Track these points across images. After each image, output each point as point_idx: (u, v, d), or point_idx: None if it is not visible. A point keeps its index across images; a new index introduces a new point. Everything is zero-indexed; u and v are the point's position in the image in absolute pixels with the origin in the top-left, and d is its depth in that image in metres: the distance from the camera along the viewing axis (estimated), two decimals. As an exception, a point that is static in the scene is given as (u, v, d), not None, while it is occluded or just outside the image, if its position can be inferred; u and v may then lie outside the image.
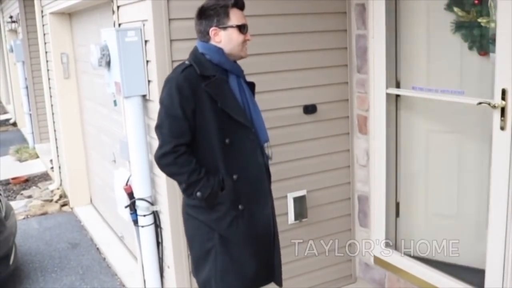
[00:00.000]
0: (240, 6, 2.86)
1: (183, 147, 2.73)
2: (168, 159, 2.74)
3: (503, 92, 2.91)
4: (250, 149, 2.87)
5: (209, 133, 2.77)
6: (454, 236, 3.88)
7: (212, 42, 2.83)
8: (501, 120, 2.95)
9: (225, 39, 2.82)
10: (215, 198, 2.79)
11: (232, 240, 2.86)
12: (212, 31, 2.80)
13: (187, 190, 2.80)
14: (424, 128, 4.00)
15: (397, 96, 3.86)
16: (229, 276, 2.88)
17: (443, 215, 3.99)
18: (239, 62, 3.08)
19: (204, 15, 2.81)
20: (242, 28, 2.84)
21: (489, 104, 3.04)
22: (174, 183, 3.26)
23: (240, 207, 2.84)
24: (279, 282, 3.08)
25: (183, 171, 2.74)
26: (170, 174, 2.88)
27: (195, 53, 2.87)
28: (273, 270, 3.05)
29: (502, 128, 2.96)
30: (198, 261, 2.96)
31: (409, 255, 3.93)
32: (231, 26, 2.81)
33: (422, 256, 3.93)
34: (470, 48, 3.52)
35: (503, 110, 2.94)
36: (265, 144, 3.01)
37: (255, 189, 2.91)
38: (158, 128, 2.79)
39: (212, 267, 2.88)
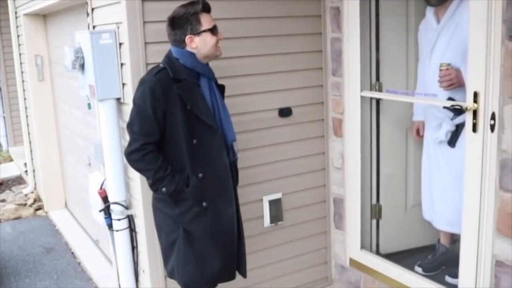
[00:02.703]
0: (208, 9, 3.00)
1: (151, 145, 2.90)
2: (136, 156, 2.92)
3: (475, 95, 2.95)
4: (216, 150, 3.03)
5: (178, 133, 2.93)
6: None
7: (188, 48, 2.98)
8: (473, 122, 2.99)
9: (200, 44, 2.97)
10: (179, 194, 2.97)
11: (195, 234, 3.04)
12: (188, 39, 2.96)
13: (153, 186, 2.99)
14: (401, 129, 4.05)
15: (371, 98, 3.88)
16: (189, 268, 3.05)
17: (421, 216, 4.04)
18: (213, 64, 3.12)
19: (177, 24, 2.97)
20: (213, 30, 3.00)
21: (461, 107, 3.08)
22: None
23: (204, 204, 3.00)
24: (243, 273, 3.27)
25: (149, 168, 2.92)
26: (137, 169, 3.06)
27: (169, 57, 3.03)
28: (238, 264, 3.22)
29: (474, 130, 2.99)
30: (165, 251, 3.18)
31: (385, 256, 3.96)
32: (204, 31, 2.97)
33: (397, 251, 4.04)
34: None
35: (475, 113, 2.97)
36: (233, 143, 3.17)
37: (220, 188, 3.07)
38: (129, 126, 2.97)
39: (175, 257, 3.08)
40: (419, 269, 3.83)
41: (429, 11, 3.69)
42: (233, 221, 3.12)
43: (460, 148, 3.45)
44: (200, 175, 2.98)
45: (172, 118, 2.91)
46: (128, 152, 2.95)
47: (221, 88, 3.18)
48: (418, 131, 3.97)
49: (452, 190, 3.57)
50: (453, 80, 3.43)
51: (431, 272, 3.81)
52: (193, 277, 3.07)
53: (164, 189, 2.92)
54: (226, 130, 3.10)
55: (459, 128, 3.54)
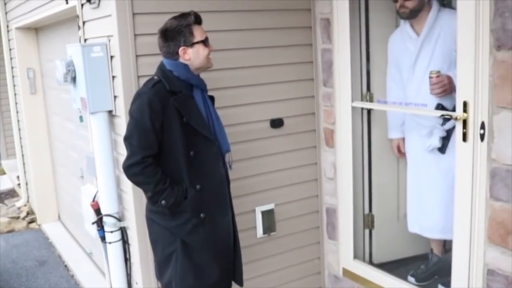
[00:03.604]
0: (199, 21, 3.02)
1: (150, 158, 2.89)
2: (136, 169, 2.90)
3: (465, 105, 2.97)
4: (213, 161, 3.05)
5: (175, 145, 2.92)
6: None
7: (181, 59, 2.99)
8: (463, 132, 3.01)
9: (193, 55, 2.99)
10: (178, 206, 2.95)
11: (193, 246, 3.03)
12: (181, 50, 2.96)
13: (153, 199, 2.96)
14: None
15: (362, 108, 3.90)
16: (188, 279, 3.04)
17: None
18: (204, 75, 3.15)
19: (170, 36, 2.97)
20: (206, 42, 3.02)
21: (451, 116, 3.10)
22: (141, 199, 3.27)
23: (201, 215, 3.00)
24: (240, 282, 3.27)
25: (149, 181, 2.90)
26: (136, 183, 3.04)
27: (163, 69, 3.02)
28: (234, 273, 3.23)
29: (464, 140, 3.01)
30: (161, 264, 3.15)
31: (378, 266, 3.97)
32: (197, 42, 2.98)
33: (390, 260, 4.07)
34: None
35: (465, 122, 2.99)
36: (227, 154, 3.19)
37: (217, 199, 3.08)
38: (128, 139, 2.93)
39: (173, 269, 3.05)
40: (412, 279, 3.84)
41: (405, 23, 3.73)
42: (230, 230, 3.14)
43: (451, 154, 3.47)
44: (197, 186, 2.98)
45: (169, 131, 2.91)
46: (127, 166, 2.93)
47: (211, 99, 3.19)
48: (398, 147, 4.00)
49: (446, 197, 3.58)
50: (446, 86, 3.46)
51: (424, 282, 3.82)
52: (192, 285, 3.06)
53: (163, 202, 2.92)
54: (221, 140, 3.12)
55: (449, 133, 3.56)
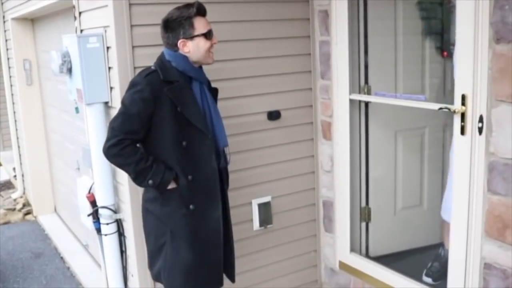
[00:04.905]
0: (203, 13, 2.95)
1: (128, 140, 2.85)
2: (114, 151, 2.86)
3: (463, 98, 2.95)
4: (206, 153, 3.00)
5: (166, 135, 2.90)
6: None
7: (181, 51, 2.94)
8: (461, 125, 2.99)
9: (193, 48, 2.93)
10: (167, 184, 2.91)
11: (181, 237, 3.00)
12: (180, 43, 2.92)
13: (138, 179, 2.92)
14: (390, 132, 4.04)
15: (360, 101, 3.89)
16: (175, 271, 3.03)
17: (410, 219, 4.05)
18: (205, 68, 3.10)
19: (170, 28, 2.92)
20: (208, 35, 2.95)
21: (449, 109, 3.08)
22: (138, 191, 3.25)
23: (191, 207, 2.97)
24: (232, 278, 3.27)
25: (129, 162, 2.87)
26: (117, 165, 3.01)
27: (161, 59, 2.99)
28: (227, 269, 3.22)
29: (462, 133, 3.00)
30: (153, 255, 3.14)
31: (375, 259, 3.96)
32: (197, 35, 2.92)
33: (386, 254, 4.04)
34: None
35: (463, 115, 2.98)
36: (225, 149, 3.15)
37: (207, 192, 3.04)
38: (111, 122, 2.94)
39: (163, 261, 3.05)
40: (428, 280, 3.75)
41: None
42: (219, 225, 3.10)
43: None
44: (189, 177, 2.94)
45: (160, 120, 2.87)
46: (105, 148, 2.88)
47: (214, 92, 3.15)
48: None
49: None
50: None
51: (440, 280, 3.69)
52: (179, 282, 3.04)
53: (150, 181, 2.87)
54: (218, 135, 3.08)
55: None
